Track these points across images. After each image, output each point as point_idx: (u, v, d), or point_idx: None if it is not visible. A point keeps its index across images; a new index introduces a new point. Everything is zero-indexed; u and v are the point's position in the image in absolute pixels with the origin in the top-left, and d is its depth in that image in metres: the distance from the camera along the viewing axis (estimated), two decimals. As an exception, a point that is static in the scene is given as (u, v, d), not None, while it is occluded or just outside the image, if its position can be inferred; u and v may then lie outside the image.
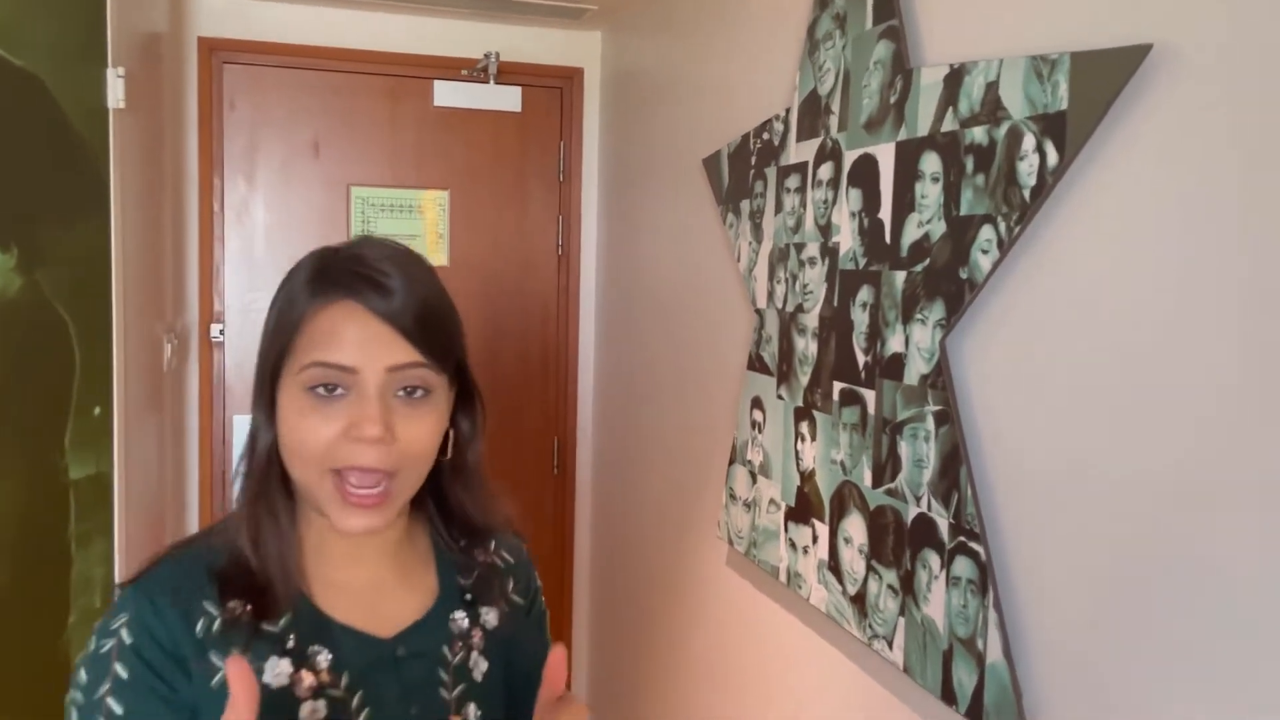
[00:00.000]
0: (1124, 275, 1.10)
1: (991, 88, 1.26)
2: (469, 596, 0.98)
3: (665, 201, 2.55)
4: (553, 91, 3.16)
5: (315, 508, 0.89)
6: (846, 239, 1.61)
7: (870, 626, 1.54)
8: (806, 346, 1.74)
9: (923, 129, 1.41)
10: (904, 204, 1.45)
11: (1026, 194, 1.20)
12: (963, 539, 1.32)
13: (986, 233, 1.27)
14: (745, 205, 1.99)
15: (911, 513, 1.43)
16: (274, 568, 0.87)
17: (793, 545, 1.80)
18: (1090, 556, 1.15)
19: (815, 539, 1.71)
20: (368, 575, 0.93)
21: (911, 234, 1.43)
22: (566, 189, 3.18)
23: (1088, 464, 1.15)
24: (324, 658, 0.87)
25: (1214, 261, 0.99)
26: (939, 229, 1.37)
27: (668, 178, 2.53)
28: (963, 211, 1.32)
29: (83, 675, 0.83)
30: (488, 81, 3.04)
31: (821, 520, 1.69)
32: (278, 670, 0.86)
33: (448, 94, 3.03)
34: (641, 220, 2.75)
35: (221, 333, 2.88)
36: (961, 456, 1.32)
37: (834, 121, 1.65)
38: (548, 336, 3.22)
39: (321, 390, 0.85)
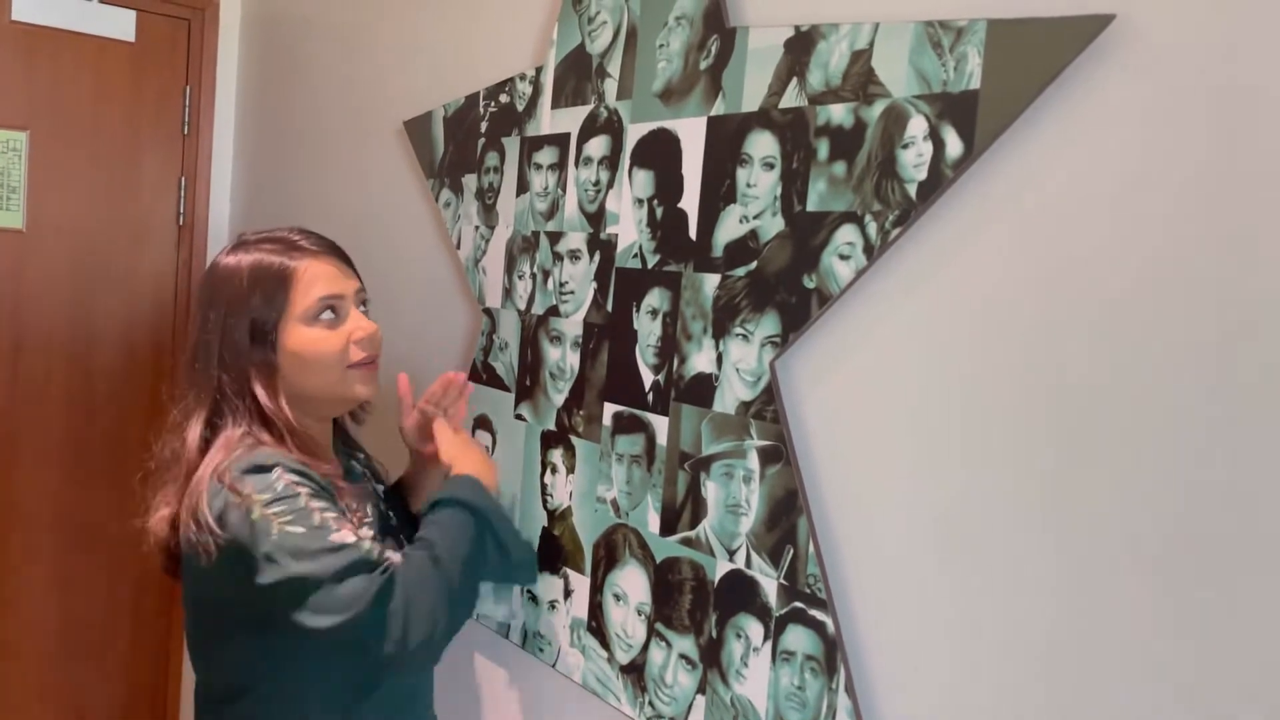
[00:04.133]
0: (1043, 296, 0.91)
1: (860, 58, 1.04)
2: (365, 472, 1.41)
3: (340, 169, 2.09)
4: (178, 23, 2.54)
5: (329, 398, 1.29)
6: (628, 231, 1.32)
7: (651, 704, 1.27)
8: (563, 358, 1.42)
9: (750, 103, 1.16)
10: (718, 193, 1.19)
11: (912, 190, 0.99)
12: (800, 605, 1.08)
13: (847, 233, 1.05)
14: (470, 181, 1.63)
15: (720, 569, 1.18)
16: (311, 446, 1.25)
17: (533, 599, 1.47)
18: (971, 636, 0.96)
19: (569, 593, 1.40)
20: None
21: (730, 230, 1.18)
22: (192, 144, 2.58)
23: (969, 523, 0.96)
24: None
25: (1150, 279, 0.83)
26: (773, 226, 1.12)
27: (345, 141, 2.07)
28: (811, 207, 1.08)
29: (276, 506, 1.13)
30: (91, -3, 2.37)
31: (579, 571, 1.39)
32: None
33: (32, 7, 2.31)
34: (301, 189, 2.25)
35: None
36: (800, 505, 1.09)
37: (611, 87, 1.36)
38: (162, 327, 2.58)
39: (326, 316, 1.25)
